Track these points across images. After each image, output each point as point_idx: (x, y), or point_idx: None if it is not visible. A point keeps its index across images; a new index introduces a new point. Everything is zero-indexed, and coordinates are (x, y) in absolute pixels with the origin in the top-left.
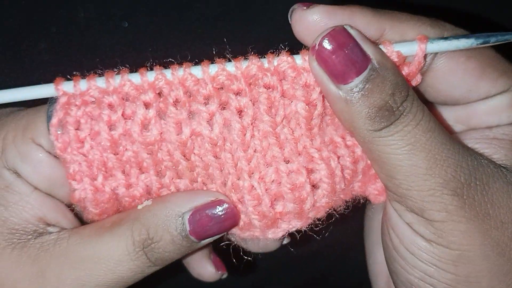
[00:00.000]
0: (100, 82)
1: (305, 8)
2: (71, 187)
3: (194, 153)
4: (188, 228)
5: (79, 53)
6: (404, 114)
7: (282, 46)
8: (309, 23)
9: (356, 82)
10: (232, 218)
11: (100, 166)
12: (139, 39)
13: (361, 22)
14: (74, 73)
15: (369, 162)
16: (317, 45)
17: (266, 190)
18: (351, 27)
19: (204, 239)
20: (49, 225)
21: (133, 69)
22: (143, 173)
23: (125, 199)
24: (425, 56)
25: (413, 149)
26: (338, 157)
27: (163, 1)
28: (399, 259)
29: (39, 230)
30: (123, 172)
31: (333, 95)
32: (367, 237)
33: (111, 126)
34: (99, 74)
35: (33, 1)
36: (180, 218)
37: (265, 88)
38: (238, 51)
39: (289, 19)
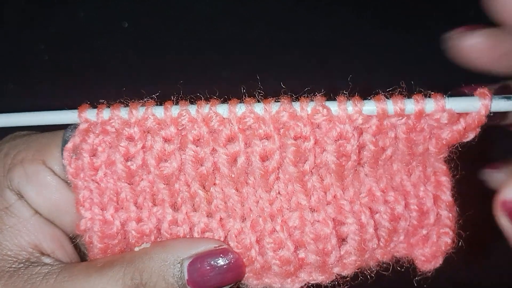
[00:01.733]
0: (123, 113)
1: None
2: (79, 214)
3: (215, 184)
4: (186, 277)
5: (79, 53)
6: None
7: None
8: None
9: None
10: (236, 270)
11: (112, 196)
12: (139, 39)
13: None
14: (101, 101)
15: (415, 222)
16: (507, 201)
17: (290, 235)
18: None
19: None
20: (43, 254)
21: (154, 93)
22: (156, 205)
23: (133, 233)
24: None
25: None
26: (374, 213)
27: (163, 1)
28: None
29: (32, 259)
30: (136, 203)
31: None
32: None
33: (128, 157)
34: (124, 102)
35: (33, 1)
36: (179, 265)
37: (295, 138)
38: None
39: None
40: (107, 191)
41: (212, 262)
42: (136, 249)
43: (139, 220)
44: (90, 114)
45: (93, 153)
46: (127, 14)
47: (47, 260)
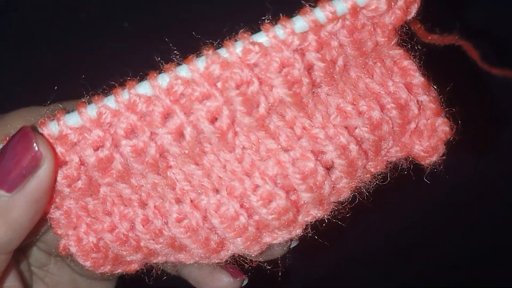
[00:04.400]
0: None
1: None
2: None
3: (170, 167)
4: None
5: (79, 53)
6: None
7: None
8: None
9: None
10: (22, 137)
11: (80, 212)
12: (139, 39)
13: None
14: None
15: (399, 121)
16: None
17: (275, 184)
18: None
19: (7, 185)
20: None
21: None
22: (127, 206)
23: (112, 244)
24: None
25: None
26: (352, 129)
27: (163, 1)
28: None
29: None
30: (105, 212)
31: None
32: None
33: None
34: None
35: (34, 2)
36: None
37: (237, 87)
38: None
39: None
40: (72, 210)
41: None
42: None
43: (112, 229)
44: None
45: None
46: (127, 14)
47: None
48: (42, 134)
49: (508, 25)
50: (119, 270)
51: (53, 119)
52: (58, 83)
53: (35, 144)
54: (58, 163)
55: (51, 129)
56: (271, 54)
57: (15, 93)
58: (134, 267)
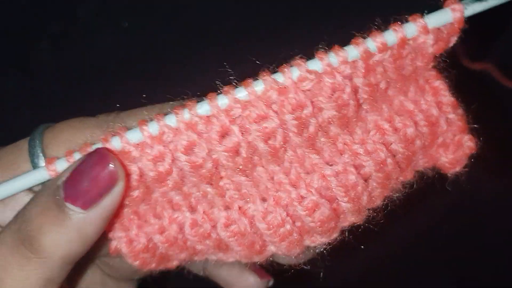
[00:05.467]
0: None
1: None
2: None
3: (221, 177)
4: (62, 194)
5: (79, 52)
6: None
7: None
8: None
9: None
10: (101, 159)
11: (132, 216)
12: (139, 39)
13: None
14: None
15: (429, 137)
16: None
17: (320, 196)
18: None
19: (83, 203)
20: None
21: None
22: (175, 210)
23: (161, 245)
24: None
25: None
26: (388, 144)
27: (163, 1)
28: None
29: None
30: (155, 215)
31: None
32: None
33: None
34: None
35: (34, 1)
36: (56, 187)
37: (293, 111)
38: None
39: None
40: (125, 215)
41: (81, 169)
42: None
43: (162, 231)
44: (60, 165)
45: None
46: (127, 14)
47: None
48: (114, 153)
49: None
50: (162, 267)
51: (116, 135)
52: (57, 82)
53: (112, 165)
54: (129, 180)
55: (113, 144)
56: (324, 80)
57: (14, 93)
58: (175, 264)
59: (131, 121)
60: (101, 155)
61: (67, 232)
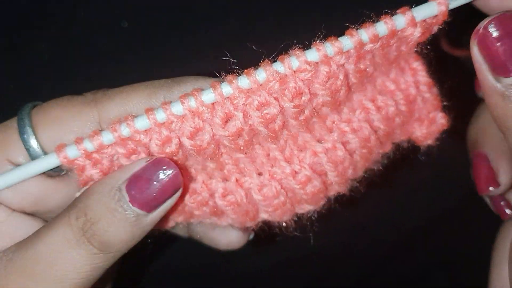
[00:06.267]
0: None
1: None
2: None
3: (222, 154)
4: (127, 198)
5: (79, 52)
6: None
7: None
8: None
9: None
10: (174, 178)
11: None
12: (139, 39)
13: None
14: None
15: (406, 114)
16: (481, 29)
17: (312, 171)
18: None
19: (149, 207)
20: None
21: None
22: None
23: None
24: None
25: None
26: (371, 122)
27: (163, 1)
28: None
29: None
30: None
31: (489, 87)
32: (496, 250)
33: None
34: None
35: (33, 1)
36: (117, 191)
37: (293, 99)
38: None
39: None
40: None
41: (146, 175)
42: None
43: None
44: (71, 152)
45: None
46: (127, 14)
47: None
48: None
49: None
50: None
51: (123, 122)
52: (57, 82)
53: (179, 176)
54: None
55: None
56: (320, 68)
57: (15, 93)
58: (171, 224)
59: (118, 99)
60: (174, 176)
61: (133, 231)
